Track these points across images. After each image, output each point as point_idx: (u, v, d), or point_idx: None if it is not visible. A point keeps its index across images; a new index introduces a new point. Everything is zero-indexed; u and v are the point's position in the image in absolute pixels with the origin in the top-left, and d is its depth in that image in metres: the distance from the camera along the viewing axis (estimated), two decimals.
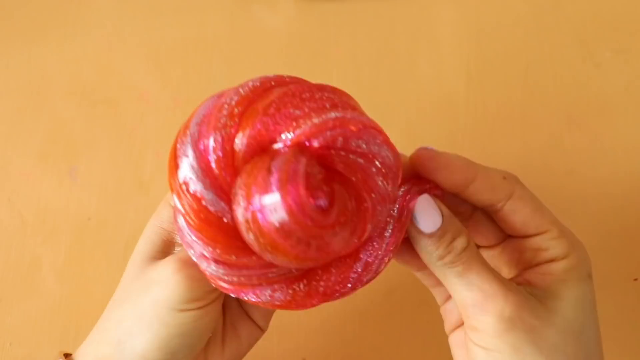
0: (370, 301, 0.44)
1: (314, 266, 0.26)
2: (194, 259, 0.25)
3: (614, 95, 0.50)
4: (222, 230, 0.23)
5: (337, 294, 0.27)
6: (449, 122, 0.49)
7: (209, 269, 0.25)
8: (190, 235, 0.24)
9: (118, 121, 0.50)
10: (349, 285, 0.27)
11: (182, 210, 0.23)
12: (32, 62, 0.53)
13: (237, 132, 0.23)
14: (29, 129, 0.51)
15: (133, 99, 0.51)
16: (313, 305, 0.27)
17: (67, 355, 0.30)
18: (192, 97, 0.51)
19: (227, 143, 0.23)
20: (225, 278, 0.25)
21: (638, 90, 0.50)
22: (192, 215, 0.23)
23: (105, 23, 0.54)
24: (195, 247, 0.25)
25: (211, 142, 0.23)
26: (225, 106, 0.23)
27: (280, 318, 0.44)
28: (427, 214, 0.26)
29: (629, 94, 0.50)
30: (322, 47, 0.53)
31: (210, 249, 0.24)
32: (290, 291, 0.26)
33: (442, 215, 0.26)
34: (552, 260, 0.28)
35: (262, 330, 0.33)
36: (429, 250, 0.26)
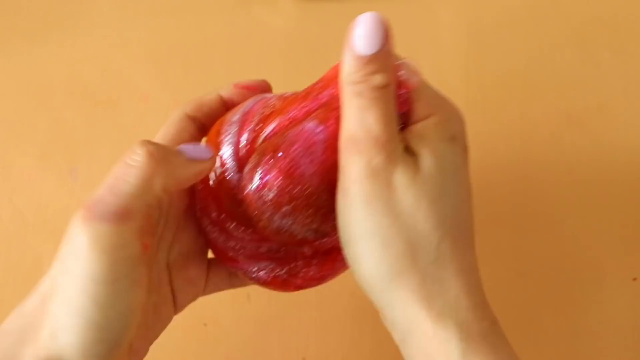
0: (370, 301, 0.44)
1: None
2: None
3: (614, 95, 0.50)
4: (230, 196, 0.29)
5: (310, 286, 0.32)
6: None
7: (212, 232, 0.31)
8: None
9: (118, 121, 0.50)
10: (324, 278, 0.32)
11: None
12: (32, 63, 0.53)
13: (261, 130, 0.29)
14: (29, 129, 0.51)
15: (133, 99, 0.51)
16: (288, 291, 0.32)
17: None
18: (192, 97, 0.51)
19: (255, 135, 0.29)
20: (222, 244, 0.30)
21: (637, 90, 0.50)
22: (216, 173, 0.29)
23: (106, 23, 0.54)
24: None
25: (246, 135, 0.29)
26: (262, 110, 0.30)
27: (281, 318, 0.44)
28: (370, 33, 0.25)
29: (628, 94, 0.50)
30: (322, 47, 0.53)
31: (216, 213, 0.30)
32: (272, 274, 0.31)
33: (383, 44, 0.25)
34: (415, 122, 0.27)
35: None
36: (349, 69, 0.25)
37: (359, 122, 0.25)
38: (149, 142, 0.26)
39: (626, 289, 0.44)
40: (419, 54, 0.52)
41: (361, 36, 0.25)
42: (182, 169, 0.26)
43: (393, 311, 0.26)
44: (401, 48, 0.53)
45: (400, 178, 0.25)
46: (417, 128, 0.27)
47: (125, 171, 0.25)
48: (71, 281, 0.24)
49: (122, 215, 0.24)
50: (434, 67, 0.52)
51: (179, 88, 0.51)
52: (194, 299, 0.33)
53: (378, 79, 0.25)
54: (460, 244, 0.26)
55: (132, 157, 0.25)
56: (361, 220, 0.25)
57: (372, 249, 0.25)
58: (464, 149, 0.28)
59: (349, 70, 0.26)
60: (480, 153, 0.48)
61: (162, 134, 0.32)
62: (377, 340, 0.43)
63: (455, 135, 0.27)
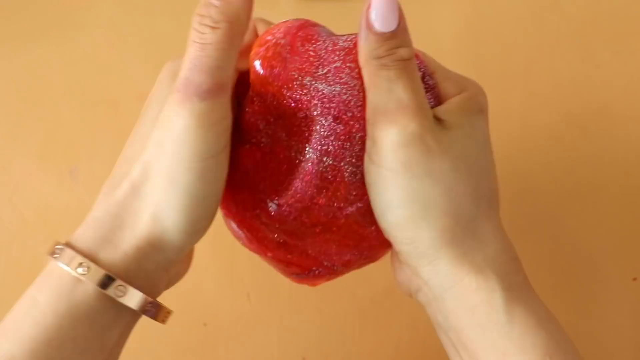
0: (370, 301, 0.44)
1: None
2: None
3: (614, 95, 0.50)
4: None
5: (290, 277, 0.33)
6: None
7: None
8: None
9: (118, 121, 0.50)
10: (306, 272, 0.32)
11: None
12: (32, 63, 0.53)
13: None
14: (29, 129, 0.51)
15: (133, 99, 0.51)
16: (270, 263, 0.32)
17: (66, 244, 0.28)
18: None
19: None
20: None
21: (637, 90, 0.50)
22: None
23: (106, 23, 0.54)
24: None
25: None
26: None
27: (281, 318, 0.44)
28: (386, 14, 0.25)
29: (628, 94, 0.50)
30: None
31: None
32: (269, 254, 0.30)
33: (399, 22, 0.26)
34: (446, 100, 0.29)
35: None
36: (371, 46, 0.26)
37: (387, 93, 0.26)
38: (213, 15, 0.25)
39: (626, 289, 0.44)
40: (437, 61, 0.52)
41: (379, 16, 0.25)
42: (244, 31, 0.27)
43: (435, 268, 0.27)
44: None
45: (437, 143, 0.26)
46: (450, 103, 0.28)
47: (203, 48, 0.25)
48: (175, 162, 0.25)
49: (217, 90, 0.25)
50: None
51: None
52: None
53: (402, 52, 0.26)
54: (494, 205, 0.29)
55: (203, 35, 0.25)
56: (401, 187, 0.26)
57: (415, 211, 0.26)
58: (487, 122, 0.30)
59: (371, 47, 0.26)
60: None
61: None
62: (377, 340, 0.43)
63: (482, 109, 0.29)
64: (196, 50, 0.25)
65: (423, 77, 0.28)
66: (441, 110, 0.28)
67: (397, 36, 0.26)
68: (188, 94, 0.25)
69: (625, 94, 0.50)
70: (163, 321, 0.28)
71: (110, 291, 0.25)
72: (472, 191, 0.27)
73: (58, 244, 0.27)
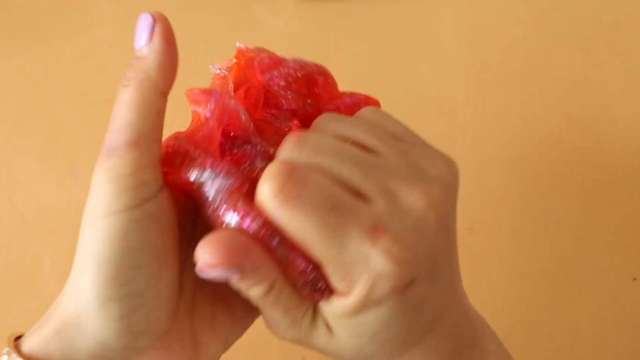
0: None
1: None
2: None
3: (614, 95, 0.50)
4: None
5: None
6: (449, 122, 0.49)
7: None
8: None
9: None
10: None
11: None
12: (33, 63, 0.53)
13: None
14: (29, 129, 0.51)
15: None
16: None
17: (17, 338, 0.25)
18: None
19: None
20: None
21: (637, 90, 0.50)
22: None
23: (106, 23, 0.54)
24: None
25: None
26: None
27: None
28: None
29: (628, 94, 0.50)
30: (322, 47, 0.53)
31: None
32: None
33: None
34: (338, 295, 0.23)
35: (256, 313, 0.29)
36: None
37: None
38: (129, 75, 0.25)
39: (626, 289, 0.44)
40: (419, 54, 0.52)
41: None
42: (168, 66, 0.26)
43: None
44: (401, 48, 0.53)
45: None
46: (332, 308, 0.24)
47: (117, 108, 0.25)
48: (85, 224, 0.24)
49: (125, 146, 0.23)
50: (434, 67, 0.52)
51: (179, 88, 0.51)
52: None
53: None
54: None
55: (119, 95, 0.25)
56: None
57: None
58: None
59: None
60: (480, 153, 0.48)
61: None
62: None
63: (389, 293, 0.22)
64: (113, 112, 0.25)
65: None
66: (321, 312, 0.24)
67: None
68: (101, 155, 0.24)
69: (625, 94, 0.50)
70: None
71: None
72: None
73: (11, 335, 0.25)
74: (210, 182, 0.23)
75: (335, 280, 0.22)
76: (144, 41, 0.25)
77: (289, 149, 0.23)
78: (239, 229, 0.22)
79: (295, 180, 0.21)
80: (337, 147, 0.23)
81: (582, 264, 0.45)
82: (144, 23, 0.25)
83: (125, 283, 0.23)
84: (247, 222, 0.22)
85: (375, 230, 0.21)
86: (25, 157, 0.50)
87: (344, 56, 0.52)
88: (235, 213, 0.22)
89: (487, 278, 0.44)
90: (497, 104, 0.50)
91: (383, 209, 0.21)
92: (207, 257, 0.21)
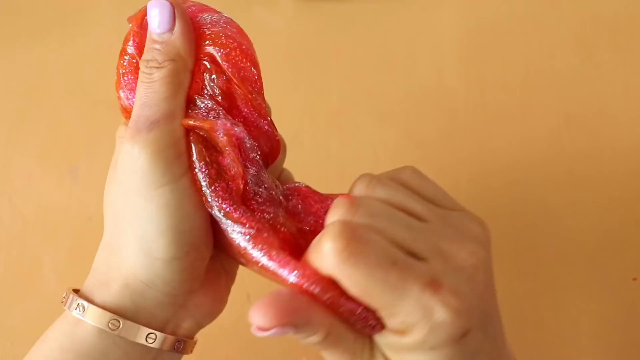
0: None
1: None
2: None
3: (613, 95, 0.50)
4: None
5: None
6: (449, 122, 0.49)
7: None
8: None
9: (118, 121, 0.50)
10: None
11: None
12: (32, 62, 0.53)
13: None
14: (29, 129, 0.51)
15: None
16: None
17: (75, 290, 0.29)
18: None
19: None
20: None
21: (637, 90, 0.50)
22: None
23: (106, 23, 0.54)
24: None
25: None
26: None
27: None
28: None
29: (628, 94, 0.50)
30: (322, 47, 0.53)
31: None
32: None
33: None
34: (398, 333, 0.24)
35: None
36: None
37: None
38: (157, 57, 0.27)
39: (626, 289, 0.44)
40: (419, 54, 0.52)
41: None
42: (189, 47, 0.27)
43: None
44: (401, 48, 0.53)
45: None
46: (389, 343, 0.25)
47: (151, 86, 0.26)
48: (134, 195, 0.26)
49: (164, 119, 0.26)
50: (434, 67, 0.52)
51: None
52: None
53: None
54: None
55: (151, 75, 0.26)
56: None
57: None
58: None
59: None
60: (480, 153, 0.48)
61: None
62: None
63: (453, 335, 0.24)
64: (145, 89, 0.26)
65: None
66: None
67: None
68: (138, 129, 0.26)
69: (625, 94, 0.50)
70: (185, 351, 0.29)
71: (104, 325, 0.27)
72: None
73: (69, 290, 0.29)
74: (231, 229, 0.26)
75: (392, 323, 0.23)
76: (166, 27, 0.27)
77: (343, 211, 0.24)
78: (285, 281, 0.24)
79: (358, 239, 0.23)
80: (388, 212, 0.25)
81: (582, 263, 0.45)
82: (162, 11, 0.27)
83: (187, 243, 0.26)
84: (297, 278, 0.24)
85: (433, 283, 0.23)
86: (25, 157, 0.50)
87: (344, 56, 0.52)
88: (282, 268, 0.24)
89: None
90: (497, 104, 0.50)
91: (438, 265, 0.24)
92: (260, 321, 0.23)
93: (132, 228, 0.26)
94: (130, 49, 0.29)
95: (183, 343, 0.29)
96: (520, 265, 0.45)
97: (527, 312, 0.44)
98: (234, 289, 0.44)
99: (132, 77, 0.29)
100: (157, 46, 0.27)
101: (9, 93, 0.52)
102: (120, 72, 0.29)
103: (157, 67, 0.26)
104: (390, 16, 0.53)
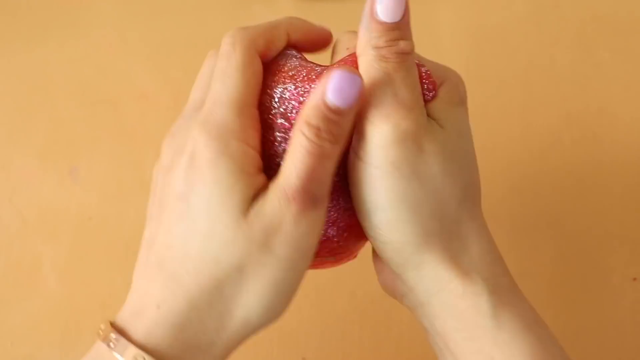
0: (370, 301, 0.44)
1: None
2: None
3: (614, 95, 0.50)
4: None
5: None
6: None
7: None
8: None
9: (118, 121, 0.50)
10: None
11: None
12: (32, 62, 0.53)
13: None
14: (29, 129, 0.51)
15: (133, 99, 0.51)
16: None
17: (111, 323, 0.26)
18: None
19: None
20: None
21: (637, 90, 0.50)
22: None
23: (106, 23, 0.54)
24: None
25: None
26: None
27: (281, 318, 0.44)
28: (392, 3, 0.25)
29: (628, 93, 0.50)
30: None
31: None
32: None
33: (403, 14, 0.25)
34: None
35: None
36: (371, 35, 0.25)
37: (382, 87, 0.25)
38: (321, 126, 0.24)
39: (626, 289, 0.44)
40: (419, 53, 0.52)
41: (385, 5, 0.25)
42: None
43: (420, 273, 0.26)
44: None
45: (429, 142, 0.25)
46: (439, 99, 0.27)
47: (321, 162, 0.24)
48: (288, 269, 0.25)
49: (325, 198, 0.25)
50: None
51: (179, 88, 0.51)
52: None
53: (403, 45, 0.25)
54: (477, 202, 0.27)
55: (322, 148, 0.24)
56: (388, 188, 0.25)
57: (401, 214, 0.25)
58: (467, 112, 0.29)
59: (372, 36, 0.25)
60: (480, 153, 0.48)
61: (238, 82, 0.27)
62: (377, 340, 0.43)
63: (464, 99, 0.28)
64: (314, 163, 0.24)
65: (419, 67, 0.27)
66: (431, 106, 0.27)
67: (400, 28, 0.25)
68: (306, 205, 0.24)
69: (625, 94, 0.50)
70: None
71: None
72: (459, 192, 0.26)
73: (111, 330, 0.25)
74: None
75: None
76: (351, 103, 0.24)
77: None
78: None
79: None
80: None
81: (582, 263, 0.45)
82: (353, 85, 0.24)
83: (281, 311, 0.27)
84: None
85: None
86: (25, 157, 0.50)
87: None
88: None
89: None
90: (497, 104, 0.50)
91: None
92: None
93: (257, 293, 0.24)
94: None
95: None
96: (520, 265, 0.45)
97: None
98: None
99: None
100: (334, 117, 0.24)
101: (9, 93, 0.52)
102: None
103: (331, 142, 0.24)
104: None
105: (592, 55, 0.51)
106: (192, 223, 0.24)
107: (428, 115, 0.26)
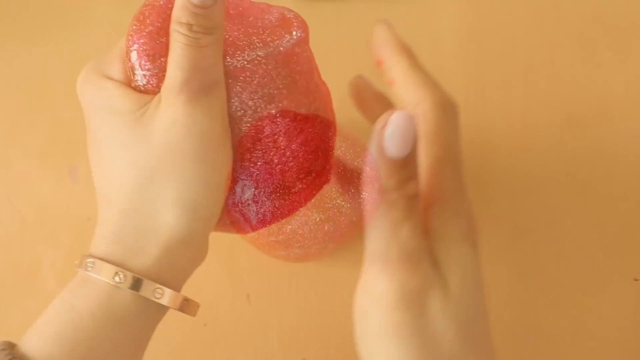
0: None
1: None
2: None
3: (614, 95, 0.50)
4: None
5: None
6: None
7: None
8: None
9: None
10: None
11: None
12: (32, 62, 0.53)
13: None
14: (29, 129, 0.51)
15: None
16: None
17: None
18: None
19: None
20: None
21: (638, 90, 0.50)
22: None
23: (105, 23, 0.54)
24: None
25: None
26: None
27: (281, 318, 0.44)
28: (402, 135, 0.22)
29: (628, 94, 0.50)
30: (322, 47, 0.52)
31: None
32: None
33: (413, 146, 0.22)
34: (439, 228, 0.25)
35: None
36: (381, 176, 0.23)
37: (391, 237, 0.23)
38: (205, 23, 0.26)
39: (627, 289, 0.44)
40: (419, 54, 0.52)
41: (395, 136, 0.22)
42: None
43: None
44: None
45: (433, 302, 0.23)
46: (447, 241, 0.25)
47: (200, 51, 0.26)
48: (189, 158, 0.26)
49: (216, 85, 0.27)
50: (434, 67, 0.51)
51: None
52: None
53: (411, 186, 0.23)
54: (482, 352, 0.25)
55: (198, 40, 0.26)
56: (386, 348, 0.24)
57: None
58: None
59: (382, 177, 0.23)
60: (480, 153, 0.48)
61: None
62: None
63: (475, 240, 0.25)
64: (193, 53, 0.26)
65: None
66: (435, 246, 0.24)
67: (409, 164, 0.23)
68: (194, 93, 0.26)
69: (625, 94, 0.50)
70: (194, 314, 0.29)
71: (148, 294, 0.26)
72: (459, 349, 0.24)
73: (88, 257, 0.28)
74: None
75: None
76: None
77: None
78: None
79: None
80: None
81: (582, 264, 0.45)
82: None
83: (222, 200, 0.28)
84: None
85: None
86: (25, 157, 0.50)
87: (344, 56, 0.52)
88: None
89: (487, 278, 0.44)
90: (497, 104, 0.50)
91: None
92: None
93: (175, 190, 0.26)
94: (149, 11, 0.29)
95: (187, 302, 0.29)
96: (520, 266, 0.45)
97: (527, 312, 0.44)
98: (234, 289, 0.45)
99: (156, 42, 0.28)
100: (200, 11, 0.26)
101: (9, 93, 0.52)
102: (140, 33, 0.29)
103: (205, 33, 0.26)
104: (390, 16, 0.53)
105: (592, 55, 0.51)
106: (103, 149, 0.28)
107: (438, 262, 0.24)
